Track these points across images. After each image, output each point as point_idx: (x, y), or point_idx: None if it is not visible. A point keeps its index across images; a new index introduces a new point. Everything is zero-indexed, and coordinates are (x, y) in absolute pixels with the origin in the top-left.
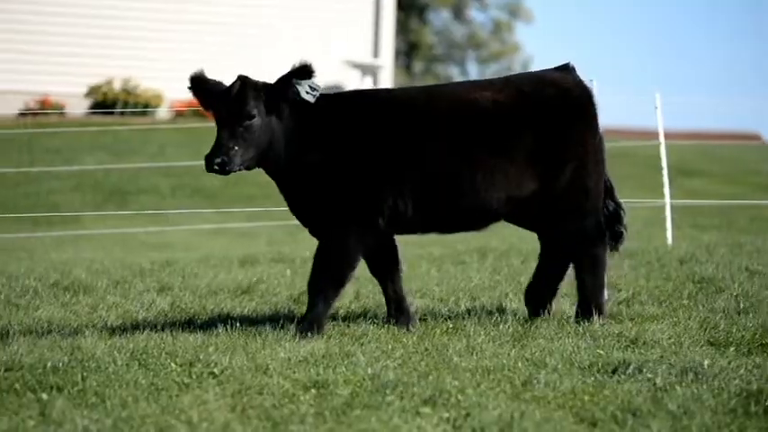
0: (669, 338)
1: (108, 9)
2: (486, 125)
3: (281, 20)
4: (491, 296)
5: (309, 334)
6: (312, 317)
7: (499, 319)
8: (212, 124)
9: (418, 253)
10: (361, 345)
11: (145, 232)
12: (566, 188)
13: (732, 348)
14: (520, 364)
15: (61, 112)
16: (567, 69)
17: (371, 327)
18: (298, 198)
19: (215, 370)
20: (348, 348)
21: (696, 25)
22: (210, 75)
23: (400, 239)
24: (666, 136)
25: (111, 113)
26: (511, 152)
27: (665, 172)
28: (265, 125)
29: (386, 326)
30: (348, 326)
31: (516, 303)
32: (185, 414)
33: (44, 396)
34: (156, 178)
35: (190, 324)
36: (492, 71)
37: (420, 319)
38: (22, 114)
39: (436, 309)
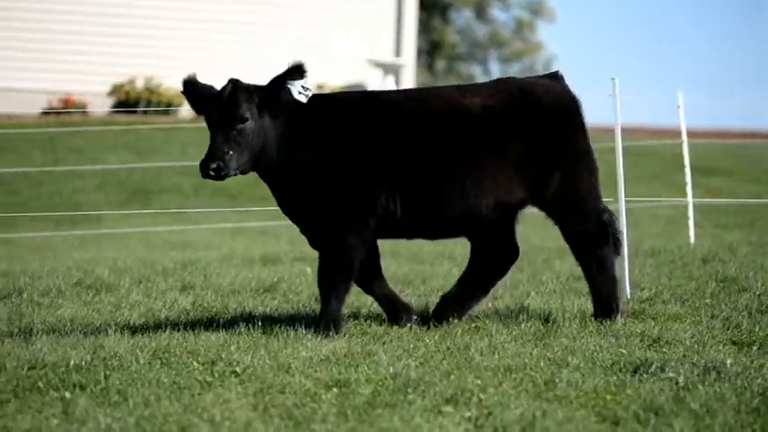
0: (692, 337)
1: (131, 8)
2: (475, 130)
3: (303, 19)
4: (513, 295)
5: (329, 333)
6: (328, 316)
7: (521, 318)
8: None
9: (439, 251)
10: (383, 344)
11: (167, 231)
12: (558, 193)
13: (755, 347)
14: (542, 364)
15: (84, 111)
16: (555, 77)
17: (393, 326)
18: (291, 200)
19: (237, 369)
20: (370, 347)
21: (718, 23)
22: (238, 75)
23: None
24: (689, 134)
25: (134, 112)
26: (499, 158)
27: (687, 171)
28: (258, 128)
29: (408, 324)
30: (370, 325)
31: (538, 302)
32: (207, 413)
33: (67, 394)
34: (178, 177)
35: (212, 323)
36: (514, 70)
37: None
38: (45, 113)
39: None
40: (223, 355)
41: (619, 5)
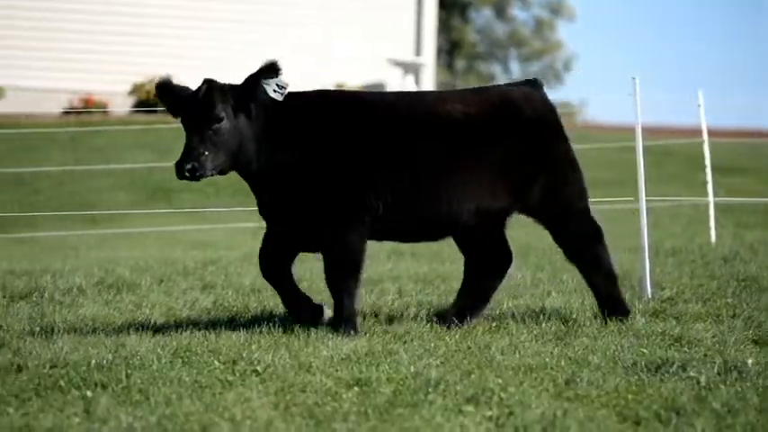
0: (713, 337)
1: (151, 8)
2: (455, 136)
3: (323, 18)
4: (533, 294)
5: (348, 331)
6: (344, 314)
7: (542, 317)
8: None
9: (458, 251)
10: (404, 343)
11: (187, 230)
12: (544, 198)
13: None
14: (563, 363)
15: (104, 111)
16: (534, 85)
17: (414, 325)
18: (277, 199)
19: (258, 368)
20: (391, 346)
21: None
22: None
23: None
24: (710, 134)
25: (155, 112)
26: (479, 164)
27: (708, 170)
28: (234, 128)
29: (428, 324)
30: (391, 324)
31: (559, 301)
32: (229, 411)
33: (89, 393)
34: None
35: (233, 322)
36: (534, 69)
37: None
38: (66, 113)
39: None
40: (244, 354)
41: (639, 4)
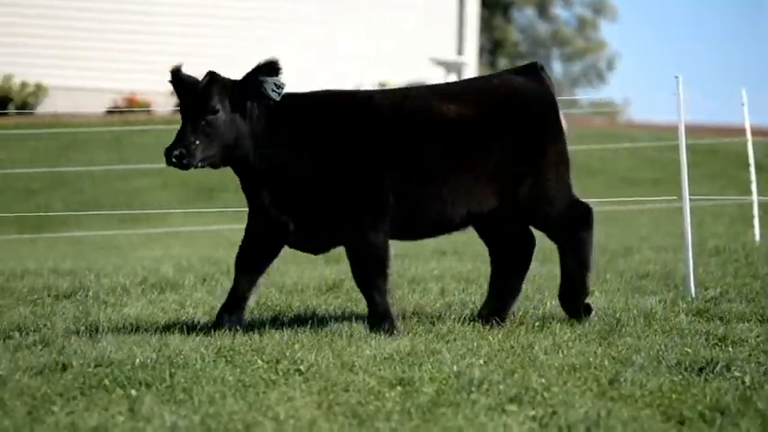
0: (757, 337)
1: (193, 7)
2: (449, 130)
3: (365, 18)
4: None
5: (388, 327)
6: (379, 312)
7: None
8: None
9: None
10: (447, 342)
11: (231, 230)
12: (534, 188)
13: None
14: (606, 362)
15: (148, 110)
16: (533, 69)
17: (457, 324)
18: (282, 199)
19: (301, 367)
20: (433, 346)
21: None
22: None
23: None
24: (753, 132)
25: None
26: (474, 158)
27: (752, 169)
28: (230, 121)
29: (471, 324)
30: (433, 323)
31: (602, 301)
32: (272, 411)
33: (133, 392)
34: None
35: (276, 321)
36: (577, 69)
37: (505, 317)
38: (110, 112)
39: (522, 306)
40: (287, 354)
41: (681, 3)
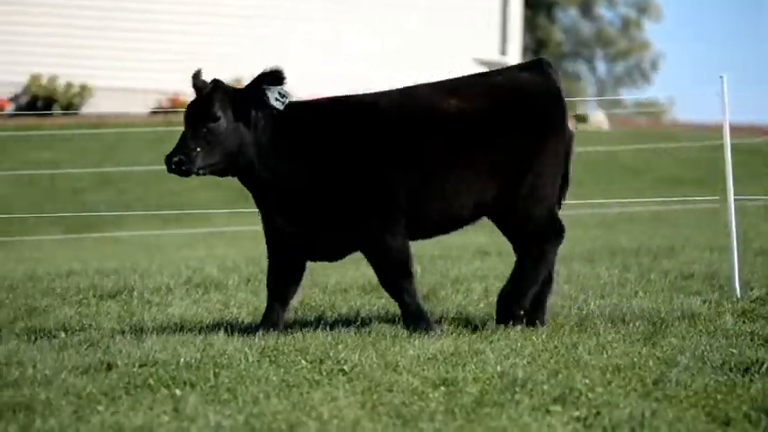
0: None
1: (234, 8)
2: (454, 128)
3: (408, 18)
4: (621, 294)
5: (424, 326)
6: (411, 312)
7: (629, 317)
8: None
9: None
10: (490, 342)
11: None
12: (525, 191)
13: None
14: (651, 363)
15: None
16: (540, 66)
17: (501, 325)
18: (291, 208)
19: (345, 367)
20: (477, 346)
21: None
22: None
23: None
24: None
25: None
26: (478, 156)
27: None
28: (233, 130)
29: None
30: (477, 324)
31: (647, 301)
32: (316, 411)
33: (177, 392)
34: None
35: (319, 321)
36: (621, 69)
37: (548, 317)
38: (153, 113)
39: (566, 307)
40: (331, 354)
41: (725, 2)
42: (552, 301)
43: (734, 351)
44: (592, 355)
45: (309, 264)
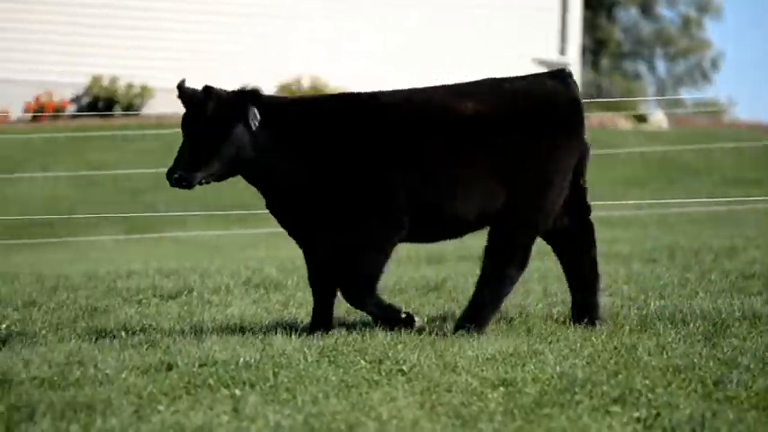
0: None
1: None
2: (466, 135)
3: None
4: (681, 294)
5: (400, 324)
6: (385, 317)
7: (689, 317)
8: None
9: (604, 251)
10: (549, 343)
11: None
12: (523, 202)
13: None
14: (711, 364)
15: None
16: (561, 76)
17: (560, 325)
18: (290, 207)
19: (404, 367)
20: (536, 347)
21: None
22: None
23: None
24: None
25: None
26: (486, 162)
27: None
28: (232, 136)
29: (574, 324)
30: (536, 324)
31: (707, 302)
32: (375, 411)
33: (237, 392)
34: None
35: (378, 321)
36: (681, 68)
37: (608, 317)
38: None
39: (625, 307)
40: (390, 354)
41: None
42: (603, 300)
43: None
44: (652, 355)
45: None
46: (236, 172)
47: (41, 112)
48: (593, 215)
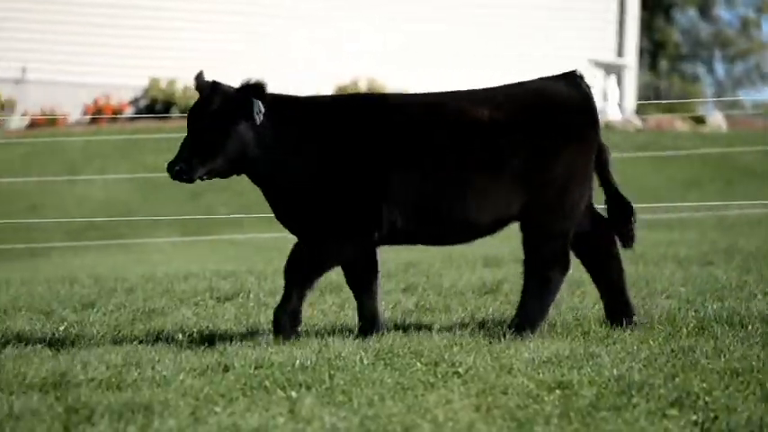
0: None
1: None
2: (480, 137)
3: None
4: (739, 297)
5: (275, 329)
6: (282, 310)
7: (747, 320)
8: None
9: (662, 253)
10: (606, 346)
11: None
12: (545, 206)
13: None
14: None
15: None
16: (572, 78)
17: (616, 328)
18: (284, 206)
19: (460, 369)
20: (592, 349)
21: None
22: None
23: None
24: None
25: None
26: (502, 166)
27: None
28: (235, 132)
29: (630, 327)
30: (592, 327)
31: (765, 304)
32: (430, 413)
33: (293, 393)
34: None
35: (434, 323)
36: (739, 69)
37: (665, 320)
38: None
39: (683, 310)
40: (446, 356)
41: None
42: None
43: None
44: (709, 358)
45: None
46: (240, 170)
47: (100, 114)
48: (650, 217)
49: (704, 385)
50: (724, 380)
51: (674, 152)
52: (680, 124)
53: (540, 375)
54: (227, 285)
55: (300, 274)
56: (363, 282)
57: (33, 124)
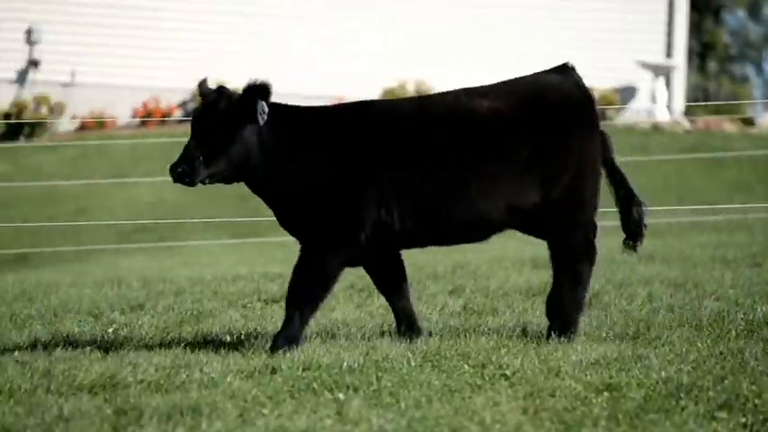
0: None
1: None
2: (482, 135)
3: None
4: None
5: (284, 349)
6: (288, 334)
7: None
8: None
9: (710, 255)
10: (654, 348)
11: None
12: (560, 199)
13: None
14: None
15: None
16: (565, 70)
17: (664, 330)
18: (283, 212)
19: (507, 372)
20: (641, 351)
21: None
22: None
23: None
24: None
25: None
26: (508, 162)
27: None
28: (238, 137)
29: (679, 329)
30: (640, 328)
31: None
32: (478, 415)
33: (340, 396)
34: None
35: (482, 325)
36: None
37: (714, 322)
38: None
39: (731, 312)
40: (493, 358)
41: None
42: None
43: None
44: (759, 360)
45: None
46: (242, 176)
47: (149, 117)
48: (698, 219)
49: (753, 387)
50: None
51: (722, 154)
52: (729, 126)
53: (588, 378)
54: (274, 287)
55: (297, 298)
56: (392, 285)
57: (82, 127)
